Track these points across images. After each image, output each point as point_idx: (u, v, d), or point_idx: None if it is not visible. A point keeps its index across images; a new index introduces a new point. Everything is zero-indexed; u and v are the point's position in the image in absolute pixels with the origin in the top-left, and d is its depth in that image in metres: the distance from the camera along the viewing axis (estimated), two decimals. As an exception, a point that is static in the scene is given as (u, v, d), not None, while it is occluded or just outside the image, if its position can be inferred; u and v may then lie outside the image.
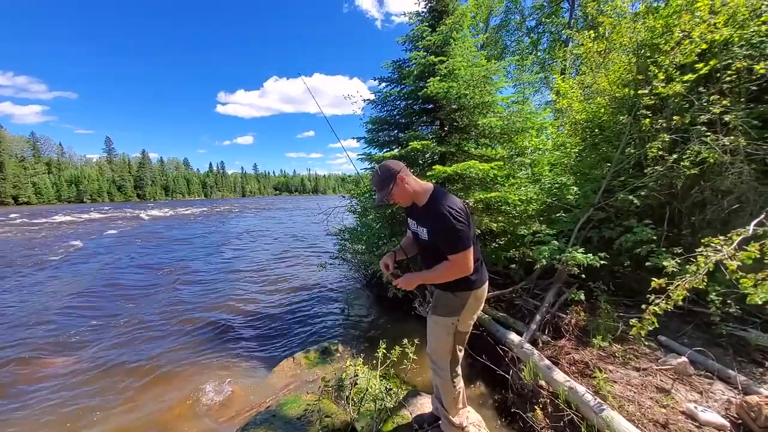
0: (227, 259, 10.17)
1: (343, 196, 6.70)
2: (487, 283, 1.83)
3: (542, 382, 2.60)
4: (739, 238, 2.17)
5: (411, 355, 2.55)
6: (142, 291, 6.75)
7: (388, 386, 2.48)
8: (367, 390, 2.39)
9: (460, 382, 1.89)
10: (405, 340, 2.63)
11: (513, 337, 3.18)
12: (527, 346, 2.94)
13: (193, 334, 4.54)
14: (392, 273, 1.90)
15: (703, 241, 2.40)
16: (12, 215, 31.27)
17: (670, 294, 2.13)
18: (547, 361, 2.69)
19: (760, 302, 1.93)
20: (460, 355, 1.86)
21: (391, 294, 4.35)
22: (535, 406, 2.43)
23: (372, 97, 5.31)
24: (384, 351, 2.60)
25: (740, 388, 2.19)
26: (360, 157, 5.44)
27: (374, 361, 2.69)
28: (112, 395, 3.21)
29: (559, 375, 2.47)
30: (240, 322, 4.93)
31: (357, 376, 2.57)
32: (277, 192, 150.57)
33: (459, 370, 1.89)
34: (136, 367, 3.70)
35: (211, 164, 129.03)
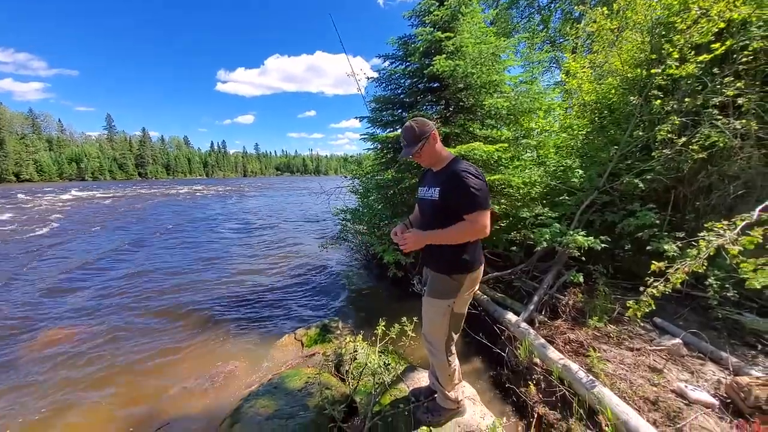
0: (233, 236, 10.28)
1: (345, 177, 6.67)
2: (483, 265, 1.83)
3: (537, 360, 2.65)
4: (743, 223, 2.16)
5: (409, 332, 2.60)
6: (153, 265, 6.86)
7: (386, 361, 2.55)
8: (366, 365, 2.46)
9: (455, 360, 1.92)
10: (404, 318, 2.69)
11: (510, 316, 3.23)
12: (524, 325, 2.99)
13: (195, 312, 4.63)
14: (419, 278, 1.93)
15: (705, 225, 2.39)
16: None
17: (669, 277, 2.14)
18: (542, 340, 2.74)
19: (759, 287, 1.94)
20: (455, 336, 1.88)
21: (391, 273, 4.39)
22: (529, 382, 2.49)
23: (375, 75, 5.19)
24: (383, 328, 2.66)
25: (731, 369, 2.23)
26: (363, 137, 5.36)
27: (373, 338, 2.75)
28: (115, 372, 3.28)
29: (553, 353, 2.53)
30: (243, 300, 5.02)
31: (356, 351, 2.64)
32: (279, 172, 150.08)
33: (454, 349, 1.91)
34: (138, 344, 3.77)
35: (212, 143, 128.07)
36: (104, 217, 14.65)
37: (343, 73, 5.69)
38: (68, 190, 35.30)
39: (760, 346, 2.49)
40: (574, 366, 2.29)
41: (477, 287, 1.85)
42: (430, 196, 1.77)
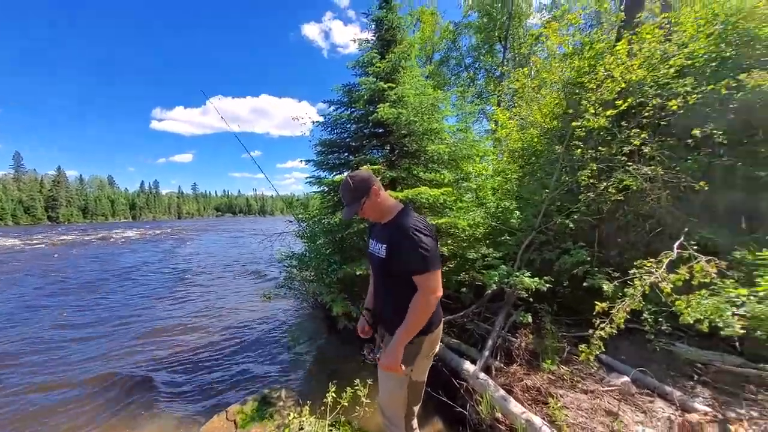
0: (156, 289, 9.02)
1: (290, 221, 6.34)
2: (441, 324, 1.69)
3: (499, 415, 2.51)
4: (667, 260, 2.35)
5: (363, 398, 2.32)
6: (51, 328, 5.61)
7: (338, 436, 2.21)
8: (314, 445, 2.10)
9: (417, 436, 1.70)
10: (357, 381, 2.41)
11: (468, 366, 3.10)
12: (482, 375, 2.87)
13: (99, 387, 3.79)
14: (370, 347, 1.73)
15: (635, 263, 2.58)
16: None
17: (614, 317, 2.21)
18: (502, 392, 2.63)
19: (691, 321, 2.07)
20: (416, 409, 1.68)
21: (341, 326, 4.08)
22: (494, 443, 2.32)
23: (321, 119, 5.19)
24: (333, 395, 2.35)
25: (678, 404, 2.30)
26: (308, 180, 5.20)
27: (323, 408, 2.41)
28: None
29: (515, 406, 2.41)
30: (161, 370, 4.24)
31: (302, 429, 2.26)
32: (219, 213, 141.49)
33: (416, 423, 1.69)
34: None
35: (142, 183, 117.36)
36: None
37: (289, 115, 5.62)
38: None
39: (696, 376, 2.64)
40: (538, 420, 2.19)
41: (437, 349, 1.69)
42: (377, 252, 1.63)
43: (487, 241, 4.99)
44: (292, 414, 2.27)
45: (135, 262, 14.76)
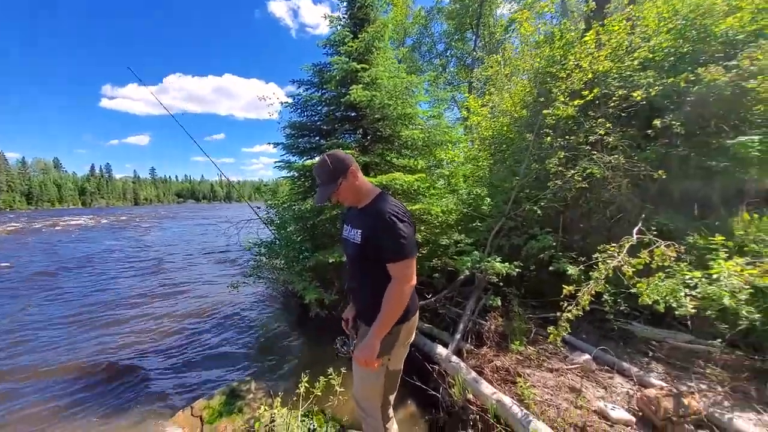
0: (117, 279, 8.45)
1: (258, 207, 6.09)
2: (418, 312, 1.66)
3: (470, 396, 2.57)
4: (628, 245, 2.48)
5: (337, 387, 2.29)
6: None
7: (312, 426, 2.17)
8: (287, 437, 2.04)
9: (393, 425, 1.68)
10: (330, 369, 2.36)
11: (440, 350, 3.15)
12: (454, 358, 2.93)
13: (59, 383, 3.55)
14: (344, 339, 1.70)
15: (599, 248, 2.69)
16: None
17: (579, 300, 2.30)
18: (473, 374, 2.69)
19: (650, 302, 2.20)
20: (392, 398, 1.65)
21: (313, 314, 4.01)
22: (469, 429, 2.38)
23: (290, 100, 4.94)
24: (306, 385, 2.29)
25: (635, 380, 2.47)
26: (278, 164, 4.97)
27: (295, 398, 2.35)
28: None
29: (486, 388, 2.48)
30: (125, 361, 4.01)
31: (274, 421, 2.19)
32: (181, 199, 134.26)
33: (392, 412, 1.67)
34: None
35: (93, 166, 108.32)
36: None
37: (255, 96, 5.31)
38: None
39: (650, 353, 2.85)
40: (507, 400, 2.26)
41: (413, 337, 1.67)
42: (352, 238, 1.57)
43: (459, 227, 5.06)
44: (262, 407, 2.19)
45: (94, 250, 13.75)
